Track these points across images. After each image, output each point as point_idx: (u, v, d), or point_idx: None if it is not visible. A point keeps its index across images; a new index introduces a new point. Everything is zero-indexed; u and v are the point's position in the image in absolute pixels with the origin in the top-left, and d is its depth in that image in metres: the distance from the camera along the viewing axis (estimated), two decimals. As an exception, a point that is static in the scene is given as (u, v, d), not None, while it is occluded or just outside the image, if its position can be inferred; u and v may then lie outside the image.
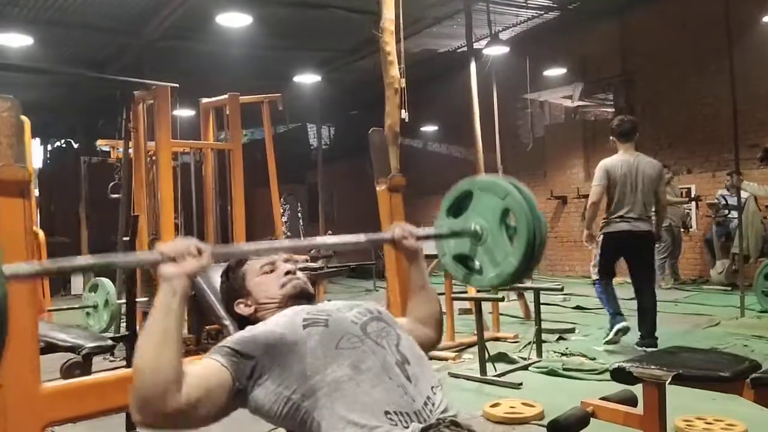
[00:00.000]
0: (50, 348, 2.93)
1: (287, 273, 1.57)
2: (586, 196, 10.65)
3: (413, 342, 1.46)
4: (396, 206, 2.04)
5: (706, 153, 9.47)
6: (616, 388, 3.79)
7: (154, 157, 5.72)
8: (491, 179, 1.76)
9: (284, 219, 7.61)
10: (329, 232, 8.01)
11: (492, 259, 1.70)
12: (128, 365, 3.02)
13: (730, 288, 7.93)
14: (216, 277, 1.77)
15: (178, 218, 6.66)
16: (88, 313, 4.16)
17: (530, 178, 11.17)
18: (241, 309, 1.57)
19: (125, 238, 3.09)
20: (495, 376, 4.03)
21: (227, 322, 1.64)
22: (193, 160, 5.79)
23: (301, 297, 1.54)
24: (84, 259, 1.26)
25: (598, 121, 11.40)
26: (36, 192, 15.80)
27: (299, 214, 8.38)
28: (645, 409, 2.37)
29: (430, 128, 13.09)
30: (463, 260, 1.81)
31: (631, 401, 2.65)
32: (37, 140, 16.34)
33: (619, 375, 2.31)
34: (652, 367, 2.21)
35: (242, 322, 1.58)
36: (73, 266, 1.35)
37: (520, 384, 3.85)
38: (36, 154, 17.20)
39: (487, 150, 6.67)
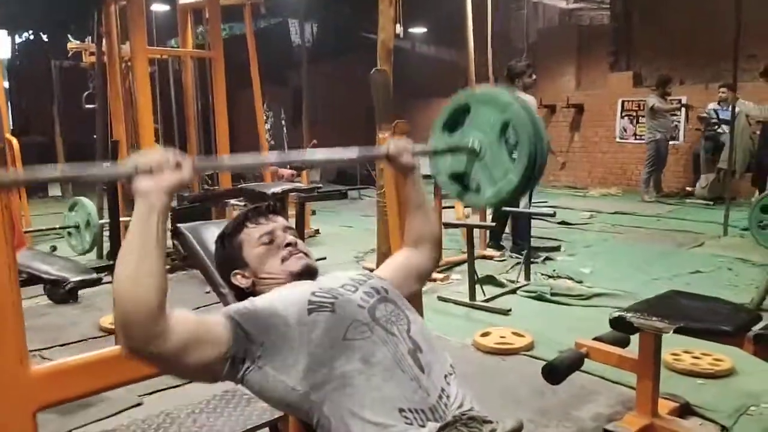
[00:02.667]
0: (33, 280, 2.84)
1: (288, 245, 1.46)
2: (576, 106, 10.53)
3: (423, 324, 1.39)
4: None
5: (702, 63, 9.24)
6: (602, 314, 3.87)
7: (129, 63, 5.40)
8: (491, 91, 1.63)
9: (267, 126, 7.35)
10: (314, 141, 7.82)
11: (490, 176, 1.59)
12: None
13: (713, 203, 7.99)
14: (210, 239, 1.66)
15: (157, 124, 6.42)
16: (69, 233, 4.04)
17: (520, 85, 10.89)
18: (239, 280, 1.47)
19: (106, 165, 2.91)
20: (483, 301, 4.06)
21: (225, 290, 1.54)
22: (171, 68, 5.46)
23: (305, 275, 1.44)
24: (52, 170, 1.13)
25: (592, 26, 10.99)
26: (5, 84, 15.14)
27: (283, 122, 8.10)
28: (641, 354, 2.38)
29: (419, 30, 12.53)
30: (459, 178, 1.69)
31: (623, 341, 2.67)
32: (4, 32, 15.47)
33: (619, 324, 2.29)
34: (654, 318, 2.19)
35: (240, 293, 1.49)
36: (42, 178, 1.20)
37: (509, 310, 3.89)
38: (2, 45, 16.34)
39: (479, 54, 6.40)
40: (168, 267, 4.95)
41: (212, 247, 1.60)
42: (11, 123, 14.18)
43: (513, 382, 2.96)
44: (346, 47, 11.80)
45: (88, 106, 5.20)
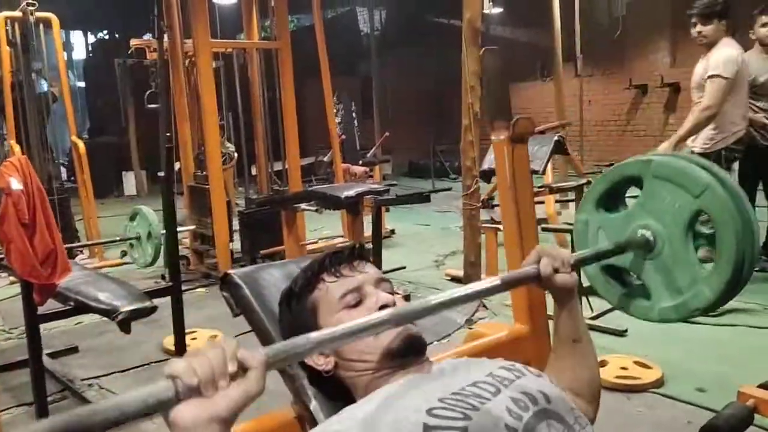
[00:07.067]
0: (82, 309, 2.52)
1: (383, 307, 0.99)
2: (671, 84, 9.59)
3: None
4: (520, 164, 1.38)
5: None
6: (739, 335, 3.24)
7: (193, 58, 5.11)
8: (676, 161, 1.14)
9: (338, 119, 6.96)
10: (386, 134, 7.36)
11: (669, 281, 1.15)
12: (175, 324, 2.60)
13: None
14: (272, 289, 1.22)
15: (223, 120, 6.12)
16: (131, 245, 3.77)
17: (606, 65, 10.05)
18: (314, 360, 1.01)
19: (160, 174, 2.56)
20: (591, 318, 3.48)
21: (293, 371, 1.09)
22: (236, 61, 5.12)
23: (410, 352, 0.96)
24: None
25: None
26: (82, 84, 15.44)
27: (353, 114, 7.69)
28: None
29: (493, 10, 11.83)
30: (618, 274, 1.27)
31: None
32: (79, 32, 15.82)
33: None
34: None
35: (315, 376, 1.04)
36: None
37: (625, 331, 3.30)
38: (78, 45, 16.74)
39: (563, 32, 5.79)
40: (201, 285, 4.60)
41: (275, 302, 1.15)
42: (88, 123, 14.48)
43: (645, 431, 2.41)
44: (416, 34, 11.29)
45: (150, 105, 4.94)
